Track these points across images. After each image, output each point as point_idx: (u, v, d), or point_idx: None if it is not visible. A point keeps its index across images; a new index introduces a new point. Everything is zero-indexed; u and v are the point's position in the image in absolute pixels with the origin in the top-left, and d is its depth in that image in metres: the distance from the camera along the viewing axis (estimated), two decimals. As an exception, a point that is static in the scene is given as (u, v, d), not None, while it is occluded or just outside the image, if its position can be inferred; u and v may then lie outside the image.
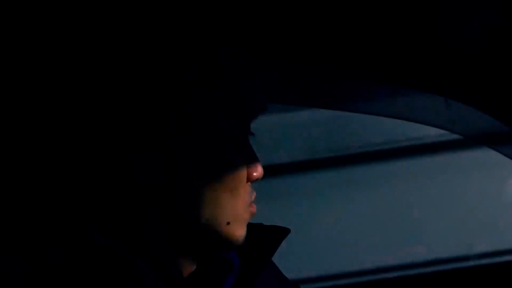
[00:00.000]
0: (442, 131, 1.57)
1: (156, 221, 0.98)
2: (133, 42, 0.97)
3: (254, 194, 1.04)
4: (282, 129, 3.26)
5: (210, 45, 0.99)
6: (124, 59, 0.96)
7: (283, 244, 1.08)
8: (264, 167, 1.04)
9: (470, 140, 1.54)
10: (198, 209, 0.98)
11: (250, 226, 1.04)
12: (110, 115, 0.96)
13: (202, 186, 0.98)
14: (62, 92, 0.97)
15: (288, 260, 1.30)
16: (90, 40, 0.97)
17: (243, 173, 1.01)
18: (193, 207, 0.98)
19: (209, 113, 0.98)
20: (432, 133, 3.27)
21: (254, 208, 1.04)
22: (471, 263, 3.59)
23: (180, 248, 1.00)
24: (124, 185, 0.97)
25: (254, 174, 1.03)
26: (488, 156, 2.21)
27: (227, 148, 1.00)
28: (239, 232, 1.02)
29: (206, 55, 0.99)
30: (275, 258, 1.11)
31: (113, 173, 0.97)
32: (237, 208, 1.01)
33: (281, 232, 1.09)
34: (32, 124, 0.99)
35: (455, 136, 1.59)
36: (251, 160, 1.03)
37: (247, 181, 1.03)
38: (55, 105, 0.98)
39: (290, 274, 1.17)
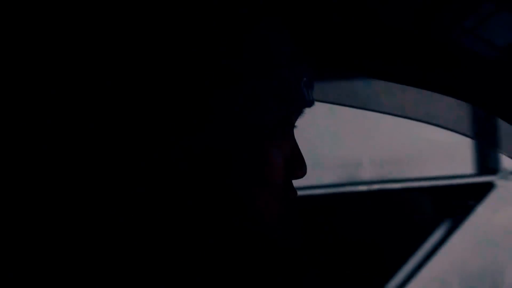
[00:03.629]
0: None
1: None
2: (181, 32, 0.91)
3: (296, 192, 0.98)
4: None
5: (258, 36, 0.94)
6: (175, 48, 0.91)
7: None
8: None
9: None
10: (234, 202, 0.93)
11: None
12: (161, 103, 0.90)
13: (239, 178, 0.93)
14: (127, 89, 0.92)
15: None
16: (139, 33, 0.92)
17: (281, 168, 0.95)
18: (229, 200, 0.93)
19: (248, 105, 0.92)
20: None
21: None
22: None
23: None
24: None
25: (297, 171, 0.98)
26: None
27: (266, 141, 0.94)
28: (270, 231, 0.96)
29: (253, 46, 0.93)
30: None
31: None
32: (274, 203, 0.95)
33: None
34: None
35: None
36: (295, 157, 0.98)
37: (289, 178, 0.97)
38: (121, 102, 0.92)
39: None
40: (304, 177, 0.99)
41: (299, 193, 0.98)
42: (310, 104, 0.99)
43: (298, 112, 0.99)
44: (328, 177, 4.44)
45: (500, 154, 4.57)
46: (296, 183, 0.99)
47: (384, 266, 4.50)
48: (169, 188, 0.91)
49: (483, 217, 4.64)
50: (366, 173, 4.56)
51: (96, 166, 0.91)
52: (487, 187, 4.63)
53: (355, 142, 4.47)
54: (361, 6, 1.27)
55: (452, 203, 4.66)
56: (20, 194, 0.92)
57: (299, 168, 0.98)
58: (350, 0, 1.27)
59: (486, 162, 4.62)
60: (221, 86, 0.91)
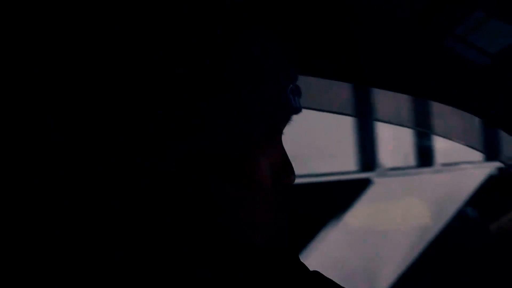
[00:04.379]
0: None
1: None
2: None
3: (286, 199, 0.97)
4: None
5: (246, 43, 0.92)
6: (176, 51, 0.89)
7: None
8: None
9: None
10: (221, 207, 0.91)
11: None
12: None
13: (226, 183, 0.90)
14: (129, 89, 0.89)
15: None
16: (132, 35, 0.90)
17: (268, 175, 0.94)
18: (216, 205, 0.90)
19: (235, 112, 0.90)
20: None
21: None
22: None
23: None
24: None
25: (285, 178, 0.97)
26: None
27: (252, 148, 0.92)
28: (257, 238, 0.93)
29: (241, 53, 0.91)
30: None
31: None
32: (256, 211, 0.93)
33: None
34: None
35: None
36: (283, 164, 0.97)
37: (277, 185, 0.95)
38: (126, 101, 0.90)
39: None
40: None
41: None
42: (297, 111, 0.98)
43: (286, 119, 0.98)
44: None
45: (378, 151, 4.70)
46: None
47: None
48: (158, 192, 0.90)
49: (361, 213, 4.74)
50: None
51: (89, 169, 0.90)
52: (365, 184, 4.73)
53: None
54: (350, 12, 1.25)
55: (331, 200, 4.74)
56: (20, 193, 0.91)
57: (287, 175, 0.98)
58: (338, 8, 1.25)
59: (365, 159, 4.72)
60: (209, 92, 0.89)
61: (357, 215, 4.74)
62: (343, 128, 4.56)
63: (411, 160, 4.75)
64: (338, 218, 4.74)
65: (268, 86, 0.93)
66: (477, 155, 4.78)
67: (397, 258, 4.74)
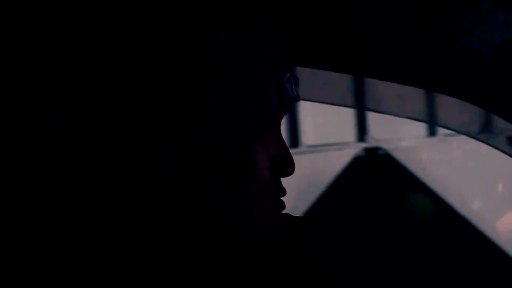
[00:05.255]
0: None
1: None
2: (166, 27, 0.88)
3: (284, 190, 0.96)
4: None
5: (242, 36, 0.92)
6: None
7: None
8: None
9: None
10: (218, 200, 0.90)
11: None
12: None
13: (224, 179, 0.90)
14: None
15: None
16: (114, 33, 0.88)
17: (267, 166, 0.93)
18: (213, 198, 0.90)
19: (231, 105, 0.90)
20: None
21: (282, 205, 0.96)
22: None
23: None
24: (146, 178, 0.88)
25: (285, 169, 0.96)
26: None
27: (250, 139, 0.92)
28: (259, 227, 0.93)
29: (237, 46, 0.91)
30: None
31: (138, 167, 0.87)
32: (256, 207, 0.93)
33: (306, 224, 1.01)
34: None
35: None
36: (282, 154, 0.96)
37: (276, 176, 0.95)
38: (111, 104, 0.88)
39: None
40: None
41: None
42: (294, 100, 0.98)
43: (283, 109, 0.97)
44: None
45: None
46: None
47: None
48: (158, 192, 0.89)
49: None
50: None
51: (90, 168, 0.89)
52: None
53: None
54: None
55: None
56: (22, 193, 0.90)
57: (286, 166, 0.97)
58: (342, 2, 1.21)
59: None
60: (205, 86, 0.89)
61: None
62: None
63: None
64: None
65: (264, 76, 0.92)
66: (344, 137, 4.86)
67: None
